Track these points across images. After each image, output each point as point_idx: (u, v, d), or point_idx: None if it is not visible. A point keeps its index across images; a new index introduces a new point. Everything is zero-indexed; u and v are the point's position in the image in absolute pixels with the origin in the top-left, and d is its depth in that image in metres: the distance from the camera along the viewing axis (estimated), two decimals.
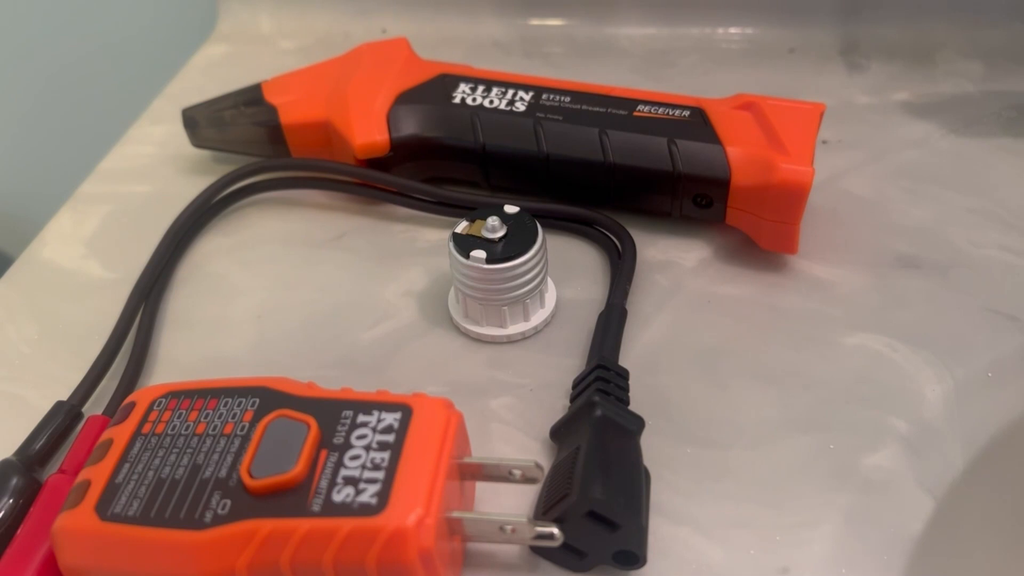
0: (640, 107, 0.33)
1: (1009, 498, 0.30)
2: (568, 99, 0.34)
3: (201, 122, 0.38)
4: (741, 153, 0.31)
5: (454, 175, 0.36)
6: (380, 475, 0.21)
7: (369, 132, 0.34)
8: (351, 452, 0.21)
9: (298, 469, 0.21)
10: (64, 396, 0.28)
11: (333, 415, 0.22)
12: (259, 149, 0.37)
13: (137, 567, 0.21)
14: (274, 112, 0.36)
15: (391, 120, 0.35)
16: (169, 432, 0.23)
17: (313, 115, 0.36)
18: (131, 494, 0.22)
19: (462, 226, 0.29)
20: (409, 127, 0.35)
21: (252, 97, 0.37)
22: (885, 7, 0.43)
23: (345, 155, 0.35)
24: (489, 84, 0.35)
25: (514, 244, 0.28)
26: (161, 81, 0.47)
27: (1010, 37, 0.42)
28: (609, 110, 0.33)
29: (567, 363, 0.29)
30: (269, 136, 0.37)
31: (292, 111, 0.36)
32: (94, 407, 0.29)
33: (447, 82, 0.36)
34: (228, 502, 0.21)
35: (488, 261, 0.28)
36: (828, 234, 0.33)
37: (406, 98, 0.35)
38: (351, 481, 0.21)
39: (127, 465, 0.22)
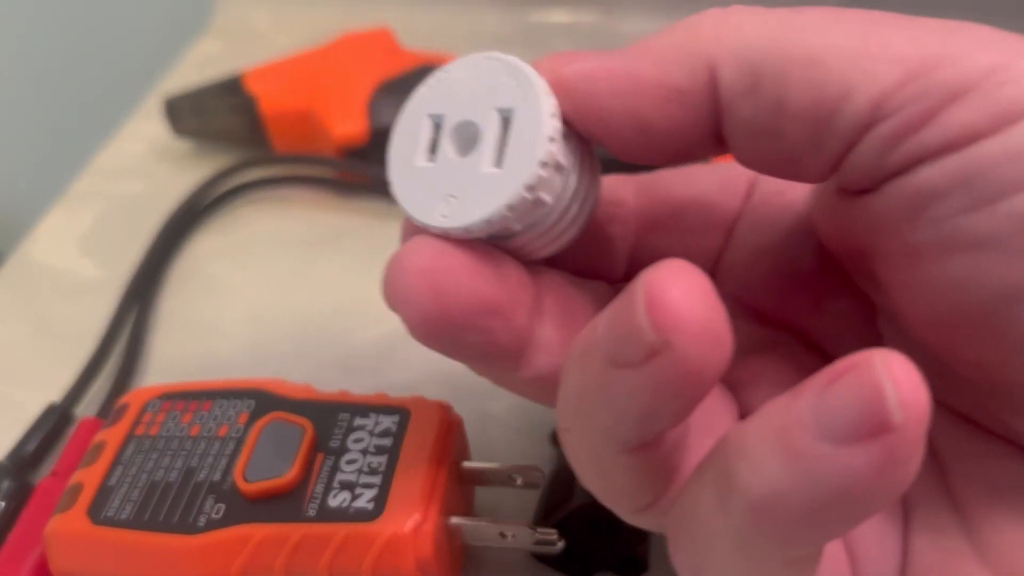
0: None
1: None
2: None
3: (182, 110, 0.38)
4: None
5: None
6: (377, 480, 0.20)
7: (349, 121, 0.34)
8: (347, 456, 0.21)
9: (293, 473, 0.21)
10: (56, 398, 0.28)
11: (329, 418, 0.22)
12: (240, 138, 0.37)
13: (130, 572, 0.21)
14: (254, 101, 0.36)
15: (372, 110, 0.34)
16: (163, 434, 0.23)
17: (293, 104, 0.36)
18: (124, 497, 0.21)
19: None
20: (390, 117, 0.34)
21: (233, 86, 0.37)
22: (885, 8, 0.43)
23: (325, 145, 0.35)
24: None
25: None
26: (154, 77, 0.46)
27: None
28: None
29: None
30: (249, 125, 0.37)
31: (272, 100, 0.36)
32: (86, 409, 0.28)
33: (429, 73, 0.35)
34: (222, 506, 0.21)
35: None
36: None
37: (388, 88, 0.35)
38: (347, 486, 0.20)
39: (120, 468, 0.22)
